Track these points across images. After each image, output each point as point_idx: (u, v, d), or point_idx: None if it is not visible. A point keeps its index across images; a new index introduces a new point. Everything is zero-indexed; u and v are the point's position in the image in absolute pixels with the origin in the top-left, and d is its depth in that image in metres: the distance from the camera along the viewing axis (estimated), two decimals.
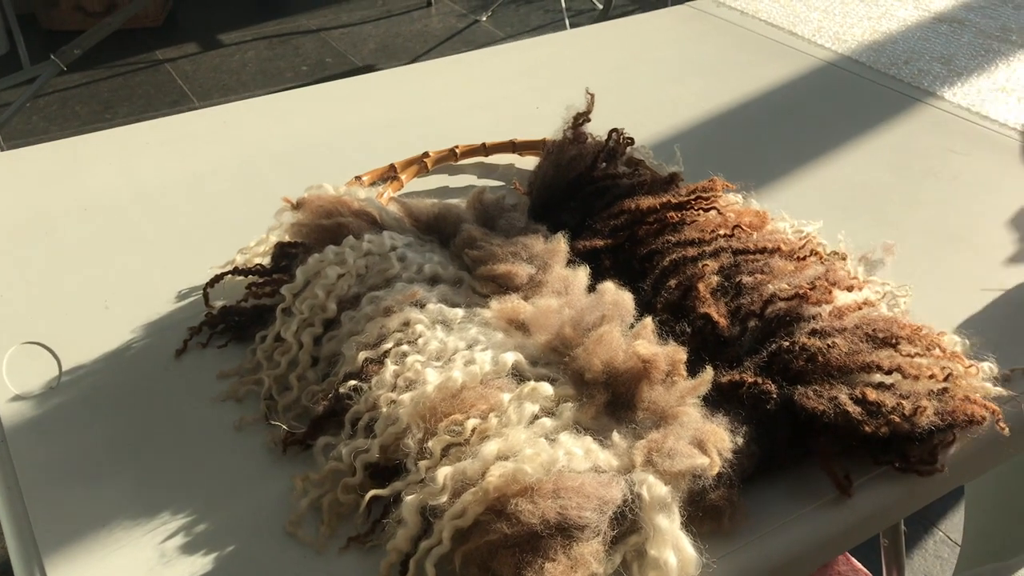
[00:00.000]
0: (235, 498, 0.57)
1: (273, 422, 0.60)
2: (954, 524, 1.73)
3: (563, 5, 4.10)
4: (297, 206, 0.73)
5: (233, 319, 0.70)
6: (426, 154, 0.90)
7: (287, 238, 0.73)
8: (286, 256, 0.72)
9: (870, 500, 0.58)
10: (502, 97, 1.07)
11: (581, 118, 0.79)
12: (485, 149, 0.91)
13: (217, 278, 0.72)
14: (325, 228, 0.70)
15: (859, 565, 1.18)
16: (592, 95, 0.80)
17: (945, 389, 0.59)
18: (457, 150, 0.91)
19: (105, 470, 0.59)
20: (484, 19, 4.12)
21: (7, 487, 0.58)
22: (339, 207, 0.72)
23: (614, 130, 0.79)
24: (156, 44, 3.83)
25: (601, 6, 3.76)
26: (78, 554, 0.53)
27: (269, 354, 0.65)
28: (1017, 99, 1.04)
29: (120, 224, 0.84)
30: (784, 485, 0.57)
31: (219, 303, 0.72)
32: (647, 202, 0.73)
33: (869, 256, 0.78)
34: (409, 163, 0.89)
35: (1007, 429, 0.61)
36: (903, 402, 0.56)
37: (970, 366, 0.62)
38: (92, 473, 0.59)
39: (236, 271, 0.72)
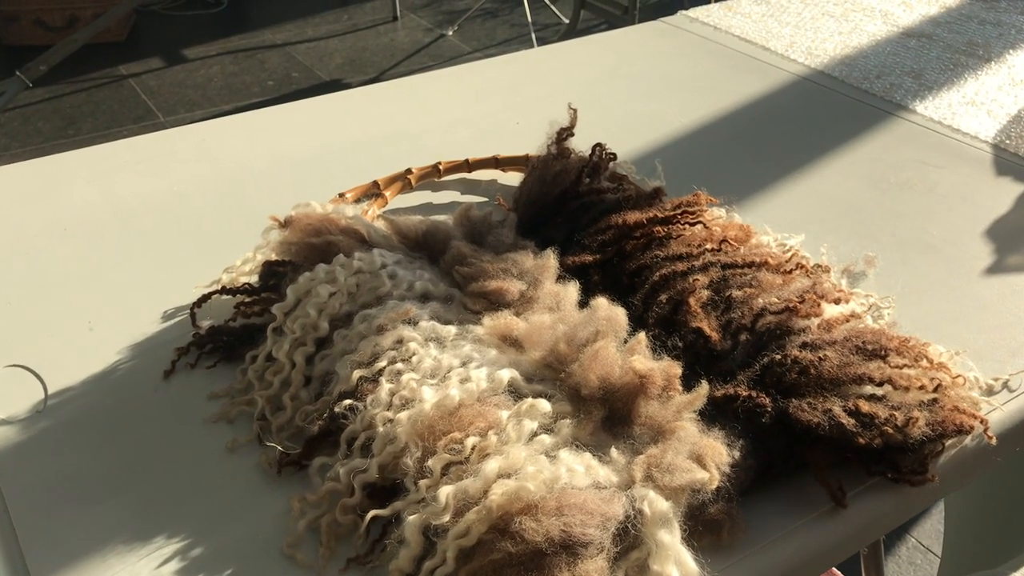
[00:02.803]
0: (230, 521, 0.56)
1: (268, 443, 0.60)
2: (926, 531, 1.75)
3: (529, 19, 4.12)
4: (284, 224, 0.73)
5: (221, 339, 0.69)
6: (409, 170, 0.90)
7: (274, 256, 0.73)
8: (274, 275, 0.71)
9: (864, 510, 0.58)
10: (482, 113, 1.07)
11: (565, 133, 0.79)
12: (468, 165, 0.92)
13: (204, 298, 0.71)
14: (314, 246, 0.70)
15: (839, 574, 1.19)
16: (575, 110, 0.80)
17: (935, 400, 0.60)
18: (440, 166, 0.91)
19: (96, 494, 0.58)
20: (451, 33, 4.13)
21: None
22: (327, 225, 0.72)
23: (597, 145, 0.80)
24: (119, 59, 3.79)
25: (568, 21, 3.78)
26: None
27: (260, 374, 0.65)
28: (987, 112, 1.06)
29: (101, 243, 0.83)
30: (780, 498, 0.58)
31: (206, 323, 0.71)
32: (634, 217, 0.74)
33: (852, 268, 0.79)
34: (392, 180, 0.89)
35: (994, 439, 0.62)
36: (895, 413, 0.57)
37: (957, 376, 0.63)
38: (83, 497, 0.58)
39: (224, 291, 0.71)
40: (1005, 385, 0.67)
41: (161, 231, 0.85)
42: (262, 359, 0.65)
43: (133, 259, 0.81)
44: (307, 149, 1.00)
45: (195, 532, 0.56)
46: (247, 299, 0.70)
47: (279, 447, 0.59)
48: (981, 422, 0.61)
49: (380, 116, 1.07)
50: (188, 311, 0.72)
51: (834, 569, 1.01)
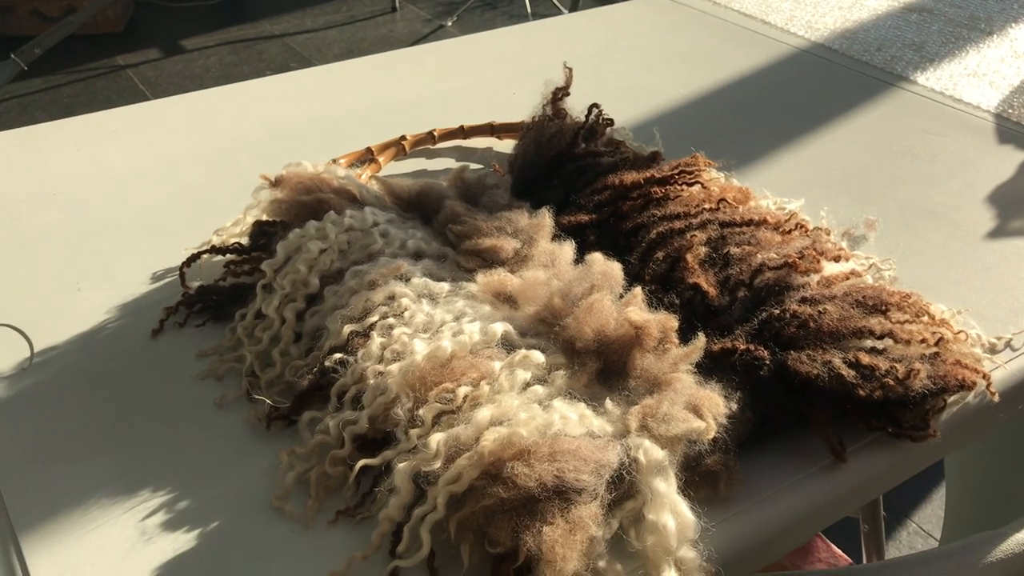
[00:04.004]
0: (218, 475, 0.55)
1: (257, 396, 0.59)
2: (927, 515, 1.74)
3: (528, 11, 4.11)
4: (275, 183, 0.71)
5: (211, 298, 0.68)
6: (403, 137, 0.89)
7: (265, 216, 0.72)
8: (265, 234, 0.70)
9: (864, 466, 0.57)
10: (478, 84, 1.06)
11: (560, 93, 0.78)
12: (463, 132, 0.90)
13: (194, 257, 0.70)
14: (305, 204, 0.69)
15: (840, 552, 1.18)
16: (570, 69, 0.79)
17: (936, 354, 0.58)
18: (435, 133, 0.90)
19: (81, 450, 0.57)
20: (449, 24, 4.12)
21: None
22: (319, 184, 0.71)
23: (594, 105, 0.78)
24: (117, 50, 3.77)
25: (567, 12, 3.77)
26: (56, 532, 0.51)
27: (250, 331, 0.64)
28: (989, 83, 1.05)
29: (89, 209, 0.82)
30: (778, 452, 0.57)
31: (195, 284, 0.70)
32: (631, 177, 0.72)
33: (852, 232, 0.78)
34: (386, 146, 0.88)
35: (996, 395, 0.61)
36: (896, 366, 0.56)
37: (959, 332, 0.62)
38: (68, 453, 0.57)
39: (214, 249, 0.70)
40: (1008, 344, 0.66)
41: (150, 198, 0.84)
42: (251, 316, 0.64)
43: (122, 225, 0.80)
44: (300, 119, 0.98)
45: (182, 486, 0.54)
46: (237, 258, 0.69)
47: (268, 401, 0.58)
48: (984, 377, 0.59)
49: (374, 87, 1.06)
50: (177, 273, 0.71)
51: (828, 542, 1.00)
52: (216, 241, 0.73)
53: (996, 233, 0.79)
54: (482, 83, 1.06)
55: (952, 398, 0.60)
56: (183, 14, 4.21)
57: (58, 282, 0.72)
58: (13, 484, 0.54)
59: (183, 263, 0.70)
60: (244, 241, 0.71)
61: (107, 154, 0.91)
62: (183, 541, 0.51)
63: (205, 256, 0.70)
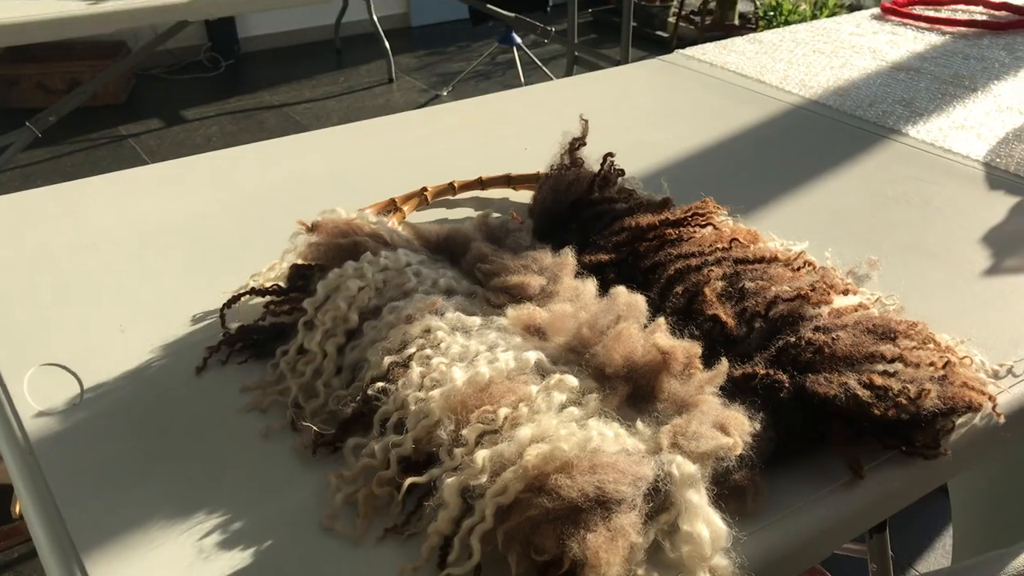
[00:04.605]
0: (268, 499, 0.58)
1: (304, 423, 0.61)
2: (928, 564, 1.75)
3: (522, 80, 4.22)
4: (312, 228, 0.75)
5: (251, 337, 0.71)
6: (425, 189, 0.93)
7: (301, 260, 0.75)
8: (302, 277, 0.74)
9: (880, 484, 0.60)
10: (491, 141, 1.11)
11: (577, 143, 0.83)
12: (482, 183, 0.95)
13: (234, 298, 0.74)
14: (341, 247, 0.73)
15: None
16: (586, 121, 0.84)
17: (944, 376, 0.62)
18: (455, 184, 0.94)
19: (136, 477, 0.60)
20: (445, 94, 4.22)
21: (39, 495, 0.58)
22: (353, 228, 0.75)
23: (608, 154, 0.83)
24: (119, 120, 3.85)
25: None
26: (117, 553, 0.54)
27: (292, 365, 0.67)
28: (976, 135, 1.10)
29: (126, 258, 0.86)
30: (800, 470, 0.60)
31: (234, 325, 0.73)
32: (646, 219, 0.77)
33: (855, 271, 0.82)
34: (409, 197, 0.92)
35: (1002, 416, 0.65)
36: (908, 386, 0.59)
37: (964, 357, 0.65)
38: (123, 480, 0.59)
39: (253, 291, 0.73)
40: (1010, 370, 0.70)
41: (184, 247, 0.88)
42: (294, 351, 0.67)
43: (158, 271, 0.84)
44: (321, 175, 1.03)
45: (235, 509, 0.57)
46: (276, 299, 0.73)
47: (314, 428, 0.61)
48: (990, 399, 0.63)
49: (393, 144, 1.11)
50: (216, 314, 0.74)
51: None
52: (254, 284, 0.76)
53: (992, 271, 0.84)
54: (495, 139, 1.11)
55: (960, 420, 0.64)
56: (184, 85, 4.30)
57: (102, 325, 0.75)
58: (73, 508, 0.57)
59: (224, 304, 0.73)
60: (282, 283, 0.75)
61: (138, 207, 0.95)
62: (239, 559, 0.54)
63: (244, 298, 0.74)
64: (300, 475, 0.60)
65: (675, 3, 5.03)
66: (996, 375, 0.69)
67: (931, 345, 0.65)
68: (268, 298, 0.73)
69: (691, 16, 4.97)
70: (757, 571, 0.53)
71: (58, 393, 0.67)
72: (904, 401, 0.59)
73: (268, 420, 0.65)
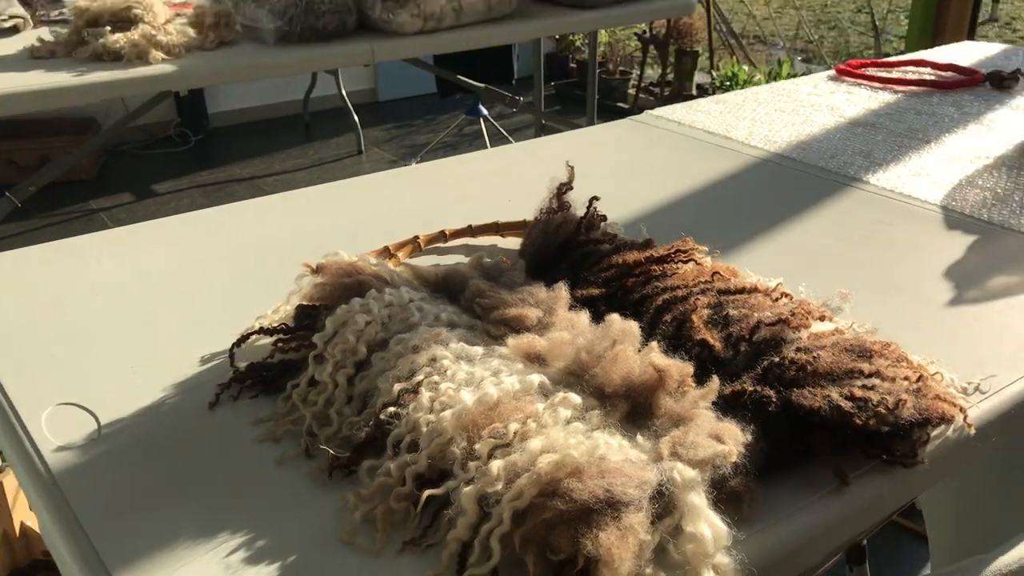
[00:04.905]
0: (288, 519, 0.61)
1: (322, 446, 0.64)
2: None
3: (489, 149, 4.31)
4: (317, 270, 0.79)
5: (261, 374, 0.74)
6: (417, 237, 0.98)
7: (306, 301, 0.79)
8: (307, 316, 0.77)
9: (864, 491, 0.64)
10: (475, 194, 1.16)
11: (564, 187, 0.88)
12: (472, 231, 1.00)
13: (243, 338, 0.77)
14: (347, 286, 0.76)
15: None
16: (572, 167, 0.89)
17: (919, 389, 0.67)
18: (447, 232, 0.98)
19: (159, 502, 0.62)
20: (413, 164, 4.29)
21: (65, 522, 0.60)
22: (356, 269, 0.79)
23: (594, 197, 0.88)
24: (90, 195, 3.88)
25: None
26: (147, 572, 0.56)
27: (304, 396, 0.70)
28: (932, 182, 1.18)
29: (132, 306, 0.89)
30: (790, 479, 0.64)
31: (241, 364, 0.76)
32: (633, 256, 0.81)
33: (828, 303, 0.87)
34: (402, 244, 0.96)
35: (973, 427, 0.69)
36: (887, 397, 0.64)
37: (935, 374, 0.70)
38: (147, 505, 0.62)
39: (262, 331, 0.77)
40: (977, 388, 0.75)
41: (188, 295, 0.91)
42: (305, 384, 0.71)
43: (163, 318, 0.87)
44: (314, 227, 1.07)
45: (256, 529, 0.60)
46: (284, 337, 0.76)
47: (330, 451, 0.64)
48: (961, 410, 0.68)
49: (383, 199, 1.15)
50: (224, 355, 0.77)
51: None
52: (261, 324, 0.79)
53: (954, 302, 0.89)
54: (479, 193, 1.16)
55: (935, 432, 0.68)
56: (154, 160, 4.35)
57: (112, 368, 0.78)
58: (101, 533, 0.59)
59: (233, 344, 0.77)
60: (288, 323, 0.78)
61: (140, 261, 0.98)
62: (265, 572, 0.56)
63: (252, 337, 0.77)
64: (317, 497, 0.63)
65: (634, 75, 5.19)
66: (965, 392, 0.74)
67: (904, 363, 0.70)
68: (276, 336, 0.76)
69: (650, 87, 5.13)
70: (755, 573, 0.56)
71: (75, 431, 0.70)
72: (883, 411, 0.63)
73: (282, 449, 0.67)
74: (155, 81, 1.76)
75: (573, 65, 5.61)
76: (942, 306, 0.88)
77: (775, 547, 0.60)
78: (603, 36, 5.36)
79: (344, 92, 4.68)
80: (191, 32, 1.87)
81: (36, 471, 0.66)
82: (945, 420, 0.67)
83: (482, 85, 3.17)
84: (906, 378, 0.67)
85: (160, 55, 1.78)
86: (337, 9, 1.98)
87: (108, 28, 1.81)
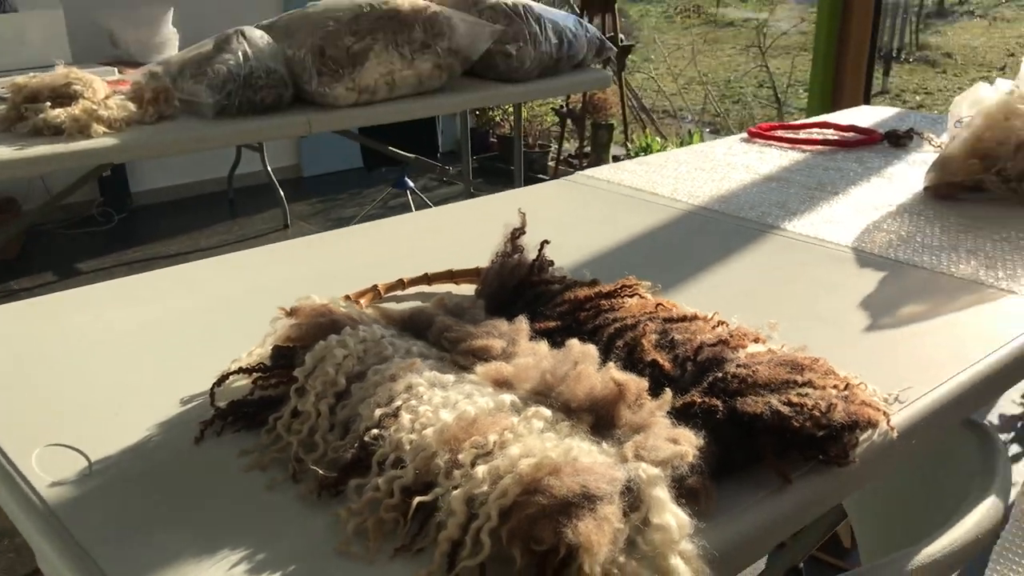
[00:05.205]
0: (283, 536, 0.65)
1: (311, 467, 0.69)
2: None
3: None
4: (291, 313, 0.84)
5: (242, 410, 0.79)
6: (376, 286, 1.04)
7: (281, 342, 0.84)
8: (283, 356, 0.82)
9: (806, 488, 0.72)
10: (422, 249, 1.23)
11: (518, 232, 0.95)
12: (428, 279, 1.06)
13: (224, 377, 0.81)
14: (321, 325, 0.82)
15: None
16: (524, 214, 0.97)
17: (847, 396, 0.75)
18: (404, 280, 1.05)
19: (158, 527, 0.66)
20: (362, 224, 4.34)
21: (67, 548, 0.63)
22: (328, 311, 0.84)
23: (544, 241, 0.96)
24: (11, 276, 3.81)
25: None
26: None
27: (288, 427, 0.74)
28: (843, 228, 1.29)
29: (109, 356, 0.92)
30: (739, 480, 0.71)
31: (222, 403, 0.80)
32: (584, 292, 0.89)
33: (759, 331, 0.95)
34: (363, 293, 1.02)
35: (895, 431, 0.77)
36: (820, 402, 0.72)
37: (860, 384, 0.79)
38: (147, 530, 0.65)
39: (242, 370, 0.81)
40: (896, 398, 0.83)
41: (161, 346, 0.95)
42: (288, 415, 0.75)
43: (142, 366, 0.90)
44: (275, 281, 1.12)
45: (255, 545, 0.64)
46: (263, 375, 0.80)
47: (320, 471, 0.68)
48: (884, 415, 0.76)
49: (341, 255, 1.21)
50: (205, 396, 0.81)
51: None
52: (240, 365, 0.84)
53: (870, 328, 0.99)
54: (425, 248, 1.23)
55: (863, 435, 0.76)
56: (77, 239, 4.30)
57: (96, 411, 0.81)
58: (106, 556, 0.63)
59: (214, 383, 0.81)
60: (265, 363, 0.83)
61: (111, 317, 1.02)
62: None
63: (231, 378, 0.81)
64: (309, 516, 0.67)
65: (553, 149, 5.37)
66: (886, 401, 0.83)
67: (832, 375, 0.78)
68: (255, 375, 0.81)
69: (569, 159, 5.31)
70: (710, 563, 0.63)
71: (66, 469, 0.73)
72: (817, 414, 0.71)
73: (270, 476, 0.72)
74: (97, 154, 1.80)
75: (494, 140, 5.77)
76: (860, 332, 0.98)
77: (729, 539, 0.66)
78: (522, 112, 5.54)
79: (269, 168, 4.72)
80: (131, 107, 1.92)
81: (31, 505, 0.69)
82: (871, 424, 0.75)
83: (412, 155, 3.26)
84: (835, 387, 0.75)
85: (102, 129, 1.82)
86: (274, 84, 2.05)
87: (48, 104, 1.84)
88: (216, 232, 4.46)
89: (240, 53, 2.02)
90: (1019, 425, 2.68)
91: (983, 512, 0.85)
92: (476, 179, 5.26)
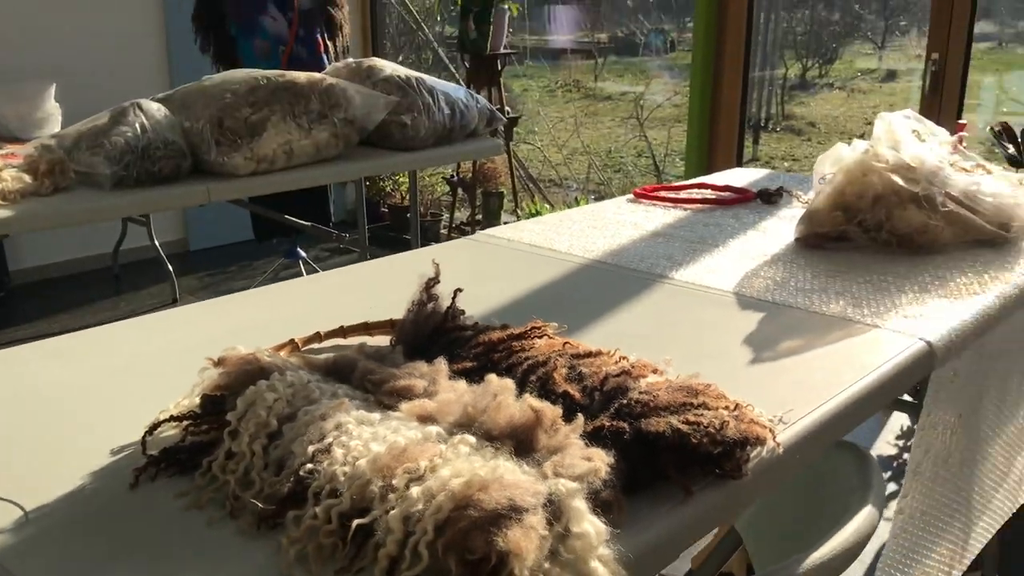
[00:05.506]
0: (227, 568, 0.68)
1: (252, 500, 0.73)
2: None
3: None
4: (219, 363, 0.88)
5: (175, 456, 0.82)
6: (293, 339, 1.08)
7: (210, 391, 0.87)
8: (213, 403, 0.86)
9: (706, 500, 0.79)
10: (333, 307, 1.28)
11: (433, 282, 1.02)
12: (343, 331, 1.11)
13: (155, 425, 0.84)
14: (249, 372, 0.86)
15: None
16: (438, 264, 1.03)
17: (737, 416, 0.83)
18: (321, 333, 1.09)
19: (100, 569, 0.68)
20: (275, 284, 4.29)
21: None
22: (255, 359, 0.88)
23: (458, 289, 1.02)
24: None
25: None
26: None
27: (223, 467, 0.78)
28: (724, 275, 1.40)
29: (34, 417, 0.93)
30: (646, 494, 0.78)
31: (154, 451, 0.83)
32: (496, 335, 0.96)
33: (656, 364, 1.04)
34: (282, 346, 1.06)
35: (781, 447, 0.86)
36: (714, 420, 0.80)
37: (748, 406, 0.87)
38: (89, 572, 0.68)
39: (173, 418, 0.84)
40: (780, 419, 0.92)
41: (86, 404, 0.97)
42: (222, 457, 0.79)
43: (68, 423, 0.92)
44: (193, 341, 1.15)
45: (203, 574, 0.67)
46: (194, 422, 0.84)
47: (259, 504, 0.72)
48: (771, 432, 0.85)
49: (248, 315, 1.25)
50: (135, 446, 0.84)
51: None
52: (170, 413, 0.87)
53: (754, 361, 1.08)
54: (335, 305, 1.28)
55: (754, 452, 0.84)
56: None
57: (27, 465, 0.83)
58: None
59: (145, 432, 0.84)
60: (195, 411, 0.86)
61: (30, 377, 1.03)
62: None
63: (163, 425, 0.84)
64: (249, 549, 0.71)
65: (445, 217, 5.47)
66: (772, 422, 0.92)
67: (723, 399, 0.86)
68: (187, 422, 0.84)
69: (461, 227, 5.41)
70: (626, 566, 0.69)
71: (1, 520, 0.74)
72: (712, 431, 0.79)
73: (207, 515, 0.75)
74: None
75: (385, 210, 5.83)
76: (744, 365, 1.07)
77: (641, 545, 0.73)
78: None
79: (156, 242, 4.65)
80: (26, 178, 1.91)
81: None
82: (760, 441, 0.83)
83: (308, 223, 3.29)
84: (726, 408, 0.83)
85: None
86: (173, 155, 2.07)
87: None
88: (101, 309, 4.36)
89: (137, 125, 2.05)
90: (895, 465, 2.86)
91: (862, 520, 0.95)
92: (370, 246, 5.30)
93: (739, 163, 3.87)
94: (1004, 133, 2.79)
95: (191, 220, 5.25)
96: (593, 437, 0.79)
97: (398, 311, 1.05)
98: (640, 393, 0.84)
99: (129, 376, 1.05)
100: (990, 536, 1.53)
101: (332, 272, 1.48)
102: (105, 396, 0.99)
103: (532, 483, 0.69)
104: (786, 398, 0.98)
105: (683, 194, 1.95)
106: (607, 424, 0.79)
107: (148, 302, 4.49)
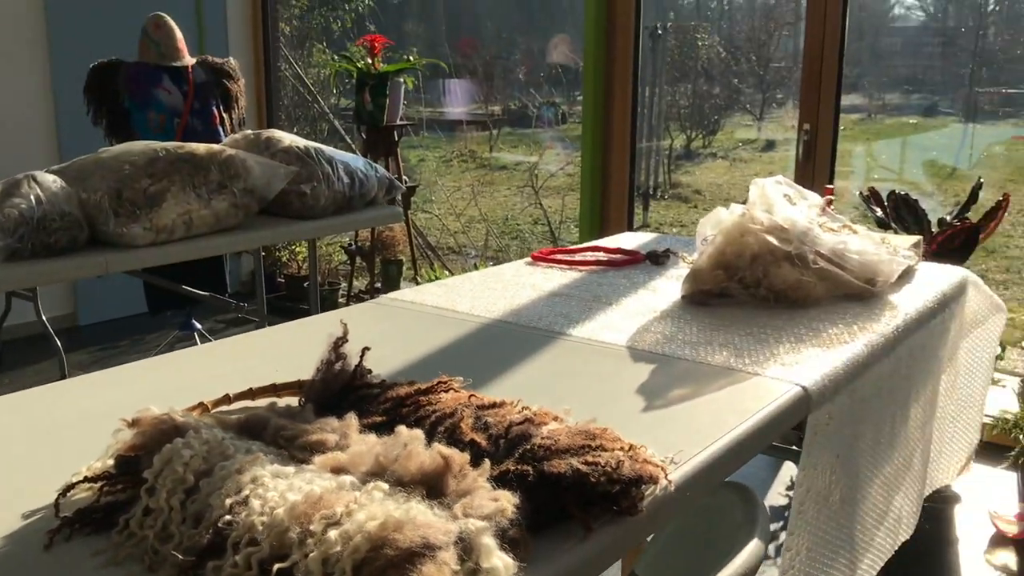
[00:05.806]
0: None
1: (172, 551, 0.75)
2: None
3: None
4: (133, 423, 0.90)
5: (91, 516, 0.83)
6: (203, 402, 1.10)
7: (124, 451, 0.89)
8: (127, 463, 0.88)
9: (605, 536, 0.85)
10: (238, 371, 1.30)
11: (341, 341, 1.06)
12: (252, 393, 1.13)
13: (69, 487, 0.85)
14: (164, 431, 0.88)
15: None
16: (345, 324, 1.08)
17: (632, 456, 0.90)
18: (230, 395, 1.12)
19: None
20: (178, 351, 4.19)
21: None
22: (169, 419, 0.90)
23: (365, 348, 1.07)
24: None
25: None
26: None
27: (141, 524, 0.80)
28: (618, 330, 1.48)
29: None
30: (550, 532, 0.83)
31: (67, 513, 0.84)
32: (404, 390, 1.00)
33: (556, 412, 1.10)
34: (192, 408, 1.08)
35: (673, 484, 0.93)
36: (611, 460, 0.86)
37: (641, 447, 0.94)
38: None
39: (87, 479, 0.86)
40: (672, 460, 0.99)
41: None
42: (140, 513, 0.81)
43: None
44: (99, 409, 1.15)
45: None
46: (109, 482, 0.85)
47: (179, 556, 0.74)
48: (663, 470, 0.91)
49: (157, 381, 1.26)
50: (47, 509, 0.85)
51: None
52: (83, 475, 0.88)
53: (646, 409, 1.16)
54: (241, 370, 1.30)
55: (648, 490, 0.91)
56: None
57: None
58: None
59: (59, 494, 0.85)
60: (110, 471, 0.88)
61: None
62: None
63: (77, 487, 0.86)
64: None
65: (343, 286, 5.48)
66: (664, 462, 0.98)
67: (618, 441, 0.93)
68: (101, 483, 0.86)
69: (360, 295, 5.42)
70: None
71: None
72: (609, 470, 0.85)
73: (126, 570, 0.77)
74: None
75: (281, 280, 5.80)
76: (637, 411, 1.14)
77: None
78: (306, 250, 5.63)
79: (44, 317, 4.51)
80: None
81: None
82: (653, 479, 0.90)
83: (206, 293, 3.27)
84: (622, 448, 0.90)
85: None
86: (69, 226, 2.06)
87: None
88: None
89: (32, 197, 2.03)
90: (786, 514, 2.97)
91: (749, 552, 1.02)
92: (268, 316, 5.25)
93: (630, 228, 4.02)
94: (872, 198, 3.01)
95: (81, 293, 5.12)
96: (500, 480, 0.84)
97: (304, 373, 1.09)
98: (542, 439, 0.89)
99: (34, 445, 1.05)
100: (875, 574, 1.62)
101: (236, 338, 1.50)
102: (10, 464, 0.99)
103: (443, 523, 0.73)
104: (676, 441, 1.05)
105: (578, 257, 2.05)
106: (512, 468, 0.85)
107: (35, 379, 4.33)
